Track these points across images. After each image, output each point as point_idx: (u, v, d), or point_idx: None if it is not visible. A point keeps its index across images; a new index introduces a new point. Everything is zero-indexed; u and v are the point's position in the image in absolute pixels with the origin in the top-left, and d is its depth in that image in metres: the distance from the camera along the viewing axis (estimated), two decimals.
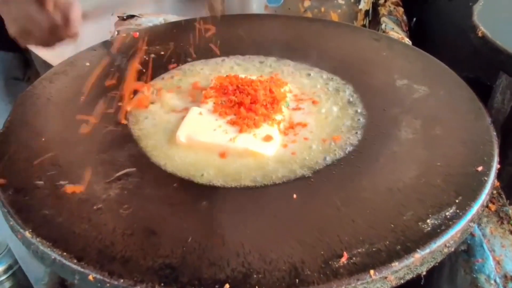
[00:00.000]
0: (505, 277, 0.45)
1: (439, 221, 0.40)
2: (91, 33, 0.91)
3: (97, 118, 0.56)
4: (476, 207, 0.42)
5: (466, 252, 0.48)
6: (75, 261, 0.36)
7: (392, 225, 0.40)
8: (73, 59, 0.70)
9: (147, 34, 0.78)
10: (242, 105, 0.56)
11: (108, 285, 0.35)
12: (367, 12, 1.19)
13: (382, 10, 1.10)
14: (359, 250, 0.37)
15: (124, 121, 0.56)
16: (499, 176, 0.49)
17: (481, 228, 0.51)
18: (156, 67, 0.68)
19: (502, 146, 0.53)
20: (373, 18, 1.18)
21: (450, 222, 0.40)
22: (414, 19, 1.18)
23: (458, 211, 0.41)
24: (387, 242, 0.38)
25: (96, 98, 0.61)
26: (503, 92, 0.75)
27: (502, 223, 0.52)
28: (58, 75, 0.66)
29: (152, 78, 0.66)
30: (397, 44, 0.77)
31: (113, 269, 0.36)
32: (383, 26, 1.02)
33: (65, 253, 0.37)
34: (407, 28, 1.04)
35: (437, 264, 0.39)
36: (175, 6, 1.09)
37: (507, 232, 0.51)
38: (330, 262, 0.36)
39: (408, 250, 0.37)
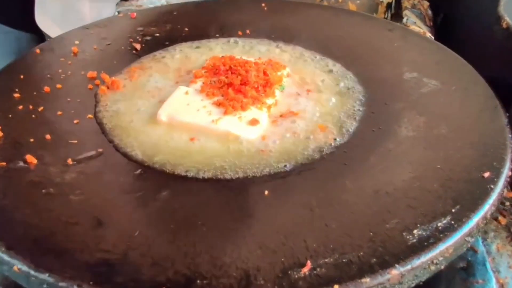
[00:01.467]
0: None
1: (428, 233, 0.34)
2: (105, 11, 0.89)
3: (70, 99, 0.53)
4: (475, 219, 0.36)
5: (465, 270, 0.42)
6: (3, 249, 0.33)
7: (371, 234, 0.34)
8: (64, 36, 0.67)
9: (144, 15, 0.75)
10: (231, 86, 0.51)
11: (33, 278, 0.31)
12: (389, 4, 1.12)
13: (405, 3, 1.03)
14: (326, 260, 0.32)
15: (97, 103, 0.52)
16: None
17: (485, 244, 0.44)
18: (148, 49, 0.65)
19: None
20: (396, 11, 1.10)
21: (441, 235, 0.34)
22: (442, 14, 1.10)
23: (452, 222, 0.35)
24: (361, 253, 0.32)
25: (74, 78, 0.57)
26: None
27: None
28: (44, 52, 0.63)
29: (141, 59, 0.62)
30: (412, 35, 0.70)
31: (43, 261, 0.32)
32: (404, 19, 0.95)
33: None
34: (431, 23, 0.97)
35: (421, 283, 0.33)
36: None
37: None
38: (289, 272, 0.31)
39: (385, 264, 0.31)
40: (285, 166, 0.43)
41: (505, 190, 0.41)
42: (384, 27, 0.71)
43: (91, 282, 0.30)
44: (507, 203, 0.48)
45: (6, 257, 0.32)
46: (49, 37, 0.98)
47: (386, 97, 0.53)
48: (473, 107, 0.50)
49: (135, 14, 0.74)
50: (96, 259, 0.32)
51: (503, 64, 0.75)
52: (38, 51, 0.62)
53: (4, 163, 0.42)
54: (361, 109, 0.52)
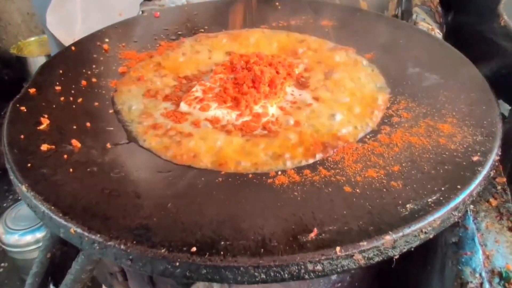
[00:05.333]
0: (492, 272, 0.43)
1: (419, 207, 0.39)
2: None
3: (104, 92, 0.59)
4: (461, 197, 0.41)
5: (456, 244, 0.47)
6: (61, 215, 0.39)
7: (370, 207, 0.40)
8: (95, 34, 0.74)
9: (167, 14, 0.81)
10: (245, 82, 0.57)
11: (86, 238, 0.37)
12: (399, 1, 1.15)
13: (416, 0, 1.07)
14: (330, 228, 0.37)
15: (128, 96, 0.59)
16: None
17: (476, 222, 0.49)
18: (171, 46, 0.71)
19: None
20: (406, 8, 1.14)
21: (430, 209, 0.39)
22: (452, 11, 1.13)
23: (441, 198, 0.40)
24: (360, 223, 0.38)
25: (107, 73, 0.64)
26: None
27: (501, 219, 0.50)
28: (79, 49, 0.69)
29: (166, 55, 0.68)
30: (417, 33, 0.74)
31: (93, 225, 0.38)
32: (414, 16, 0.98)
33: (53, 207, 0.40)
34: (441, 20, 1.00)
35: (412, 249, 0.38)
36: None
37: (505, 229, 0.48)
38: (298, 236, 0.37)
39: (380, 231, 0.37)
40: (295, 153, 0.48)
41: (492, 173, 0.46)
42: (391, 25, 0.76)
43: (134, 242, 0.36)
44: (499, 187, 0.53)
45: (63, 222, 0.39)
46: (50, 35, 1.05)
47: (390, 89, 0.59)
48: (470, 99, 0.55)
49: (158, 13, 0.80)
50: (136, 224, 0.39)
51: (501, 61, 0.79)
52: (73, 48, 0.69)
53: (53, 146, 0.48)
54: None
